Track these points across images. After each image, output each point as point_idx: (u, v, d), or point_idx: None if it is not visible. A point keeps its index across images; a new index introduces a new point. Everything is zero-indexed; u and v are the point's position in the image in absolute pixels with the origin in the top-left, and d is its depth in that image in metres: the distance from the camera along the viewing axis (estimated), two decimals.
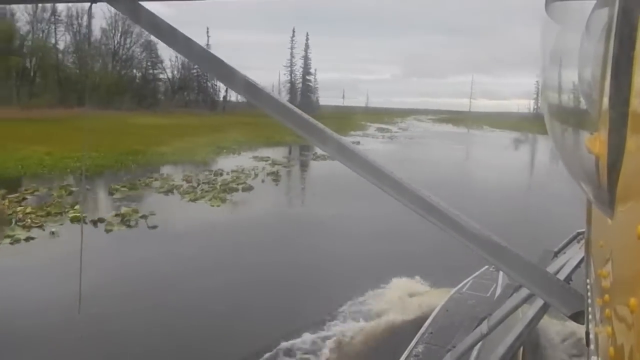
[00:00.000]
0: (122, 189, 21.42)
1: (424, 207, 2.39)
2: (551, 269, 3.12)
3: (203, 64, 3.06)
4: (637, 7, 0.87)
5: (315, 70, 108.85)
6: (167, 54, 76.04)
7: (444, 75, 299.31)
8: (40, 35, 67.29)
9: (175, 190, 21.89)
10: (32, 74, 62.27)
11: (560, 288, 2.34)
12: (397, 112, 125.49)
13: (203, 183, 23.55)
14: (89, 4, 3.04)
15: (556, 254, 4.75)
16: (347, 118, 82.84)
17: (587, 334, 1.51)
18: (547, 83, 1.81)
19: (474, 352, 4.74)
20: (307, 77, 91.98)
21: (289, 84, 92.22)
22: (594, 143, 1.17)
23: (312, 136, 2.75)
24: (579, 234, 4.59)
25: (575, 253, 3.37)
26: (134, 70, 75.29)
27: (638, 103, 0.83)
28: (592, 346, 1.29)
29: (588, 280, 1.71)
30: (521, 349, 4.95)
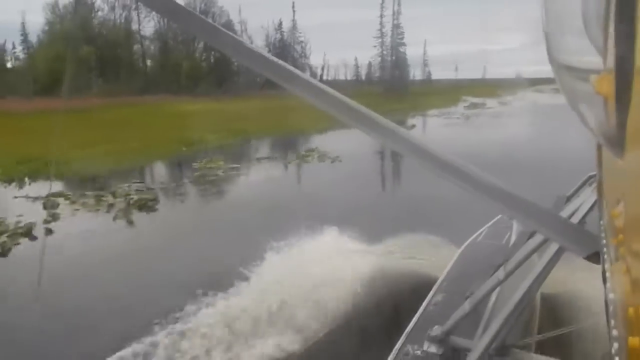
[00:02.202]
0: None
1: (437, 162, 2.34)
2: (564, 213, 3.13)
3: (226, 48, 2.64)
4: None
5: (425, 41, 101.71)
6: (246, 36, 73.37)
7: None
8: (120, 22, 68.84)
9: None
10: (110, 63, 63.61)
11: (574, 231, 2.28)
12: (518, 82, 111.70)
13: None
14: None
15: (569, 199, 4.62)
16: (440, 93, 74.26)
17: (604, 272, 1.43)
18: (550, 24, 1.73)
19: (492, 298, 4.95)
20: (400, 49, 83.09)
21: (379, 58, 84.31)
22: (602, 83, 1.16)
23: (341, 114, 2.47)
24: (590, 177, 4.45)
25: (588, 196, 3.29)
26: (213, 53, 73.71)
27: None
28: (608, 284, 1.29)
29: (602, 222, 1.72)
30: (539, 293, 4.99)
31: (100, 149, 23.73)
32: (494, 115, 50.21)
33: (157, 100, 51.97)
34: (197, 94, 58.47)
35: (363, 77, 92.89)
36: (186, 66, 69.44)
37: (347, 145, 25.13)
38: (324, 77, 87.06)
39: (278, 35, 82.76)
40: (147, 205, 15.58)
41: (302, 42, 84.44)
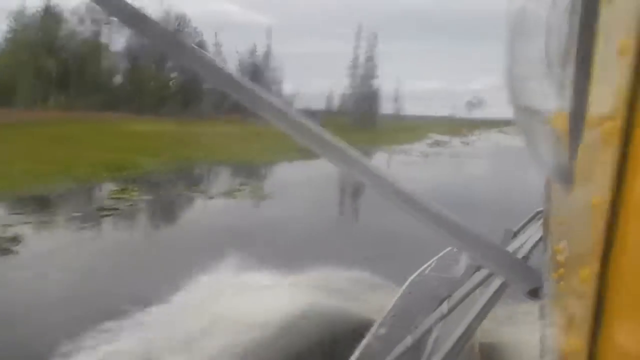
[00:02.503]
0: None
1: (384, 187, 2.23)
2: (510, 247, 3.14)
3: (197, 66, 2.46)
4: None
5: (399, 77, 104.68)
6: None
7: None
8: (88, 36, 67.63)
9: None
10: (74, 76, 62.12)
11: (518, 266, 2.15)
12: (486, 123, 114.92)
13: None
14: None
15: (516, 234, 4.67)
16: (408, 129, 75.41)
17: (542, 307, 1.51)
18: (511, 57, 1.69)
19: (434, 333, 4.82)
20: (371, 82, 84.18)
21: (351, 90, 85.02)
22: (557, 120, 1.21)
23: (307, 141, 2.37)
24: (538, 212, 4.34)
25: (535, 232, 3.26)
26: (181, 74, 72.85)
27: (598, 76, 0.85)
28: (546, 319, 1.33)
29: (545, 257, 1.78)
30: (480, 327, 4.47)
31: (16, 168, 21.84)
32: (454, 154, 50.75)
33: (117, 118, 50.80)
34: (161, 114, 57.60)
35: (334, 108, 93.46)
36: (153, 85, 68.59)
37: (295, 180, 24.28)
38: (296, 106, 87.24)
39: (251, 60, 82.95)
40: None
41: (274, 69, 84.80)
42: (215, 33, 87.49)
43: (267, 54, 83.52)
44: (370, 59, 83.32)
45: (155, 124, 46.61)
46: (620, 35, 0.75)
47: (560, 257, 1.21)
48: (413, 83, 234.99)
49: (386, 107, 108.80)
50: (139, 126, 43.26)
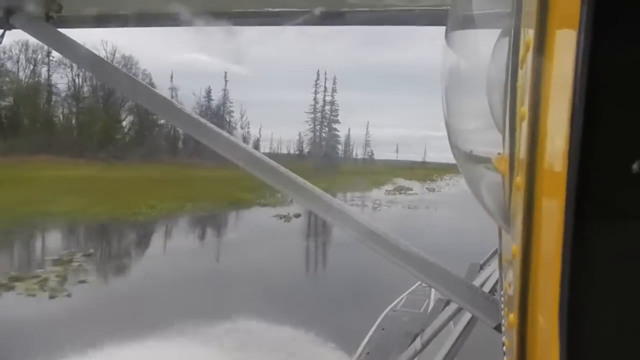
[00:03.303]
0: None
1: (352, 225, 2.34)
2: (477, 281, 3.21)
3: (145, 101, 2.65)
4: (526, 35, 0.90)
5: (368, 122, 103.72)
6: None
7: None
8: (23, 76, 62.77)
9: None
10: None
11: (485, 300, 2.28)
12: (453, 168, 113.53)
13: None
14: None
15: (481, 267, 4.79)
16: (372, 173, 71.20)
17: (503, 344, 1.55)
18: (449, 110, 1.80)
19: None
20: (333, 126, 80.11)
21: (311, 133, 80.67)
22: (500, 163, 1.26)
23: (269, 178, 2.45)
24: None
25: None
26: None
27: (521, 125, 0.88)
28: (505, 357, 1.37)
29: (502, 292, 1.75)
30: None
31: None
32: (409, 203, 45.45)
33: (32, 161, 46.04)
34: (83, 157, 52.22)
35: (294, 152, 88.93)
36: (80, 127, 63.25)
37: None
38: (261, 149, 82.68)
39: (207, 103, 78.91)
40: None
41: (232, 112, 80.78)
42: (172, 75, 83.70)
43: (224, 98, 79.93)
44: (331, 102, 79.84)
45: (65, 168, 41.80)
46: (522, 103, 0.84)
47: (506, 297, 1.23)
48: (387, 130, 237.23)
49: (358, 152, 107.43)
50: (41, 171, 38.32)
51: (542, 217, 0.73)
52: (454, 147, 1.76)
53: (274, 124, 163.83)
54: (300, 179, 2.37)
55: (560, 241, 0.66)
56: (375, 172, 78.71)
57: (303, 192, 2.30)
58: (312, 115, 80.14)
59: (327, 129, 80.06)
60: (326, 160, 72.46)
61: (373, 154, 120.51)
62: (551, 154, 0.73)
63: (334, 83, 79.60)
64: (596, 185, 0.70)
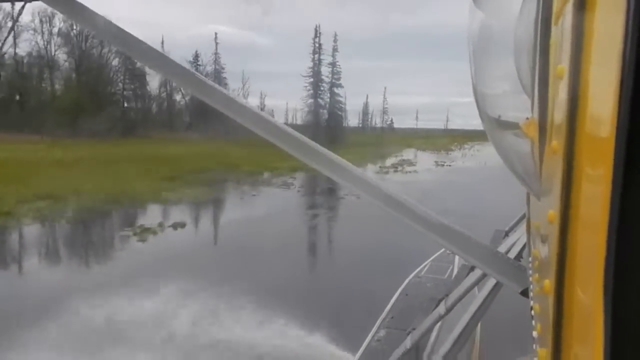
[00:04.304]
0: None
1: (375, 194, 2.42)
2: (502, 248, 3.22)
3: (164, 71, 2.73)
4: None
5: (385, 88, 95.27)
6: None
7: None
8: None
9: None
10: None
11: (510, 266, 2.37)
12: (478, 135, 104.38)
13: None
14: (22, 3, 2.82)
15: (507, 234, 4.77)
16: (383, 144, 65.68)
17: (531, 309, 1.53)
18: (477, 74, 1.75)
19: (434, 333, 5.08)
20: (335, 91, 70.80)
21: (311, 100, 71.65)
22: (529, 127, 1.22)
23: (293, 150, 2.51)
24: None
25: (525, 231, 3.25)
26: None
27: (558, 86, 0.84)
28: (533, 321, 1.34)
29: (530, 258, 1.74)
30: (479, 326, 5.09)
31: None
32: (403, 181, 36.83)
33: None
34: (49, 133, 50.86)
35: (297, 121, 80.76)
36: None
37: None
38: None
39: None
40: None
41: (225, 78, 73.22)
42: (162, 41, 76.74)
43: (215, 61, 72.37)
44: (331, 64, 70.35)
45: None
46: (558, 61, 0.80)
47: (536, 262, 1.22)
48: (405, 98, 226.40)
49: (377, 121, 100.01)
50: None
51: (585, 183, 0.68)
52: (482, 112, 1.72)
53: (280, 94, 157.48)
54: (322, 149, 2.44)
55: (607, 208, 0.59)
56: (385, 142, 70.06)
57: (329, 163, 2.37)
58: (311, 80, 70.96)
59: (328, 94, 70.96)
60: (326, 131, 63.94)
61: (392, 123, 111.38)
62: (595, 116, 0.65)
63: (335, 41, 70.07)
64: None
